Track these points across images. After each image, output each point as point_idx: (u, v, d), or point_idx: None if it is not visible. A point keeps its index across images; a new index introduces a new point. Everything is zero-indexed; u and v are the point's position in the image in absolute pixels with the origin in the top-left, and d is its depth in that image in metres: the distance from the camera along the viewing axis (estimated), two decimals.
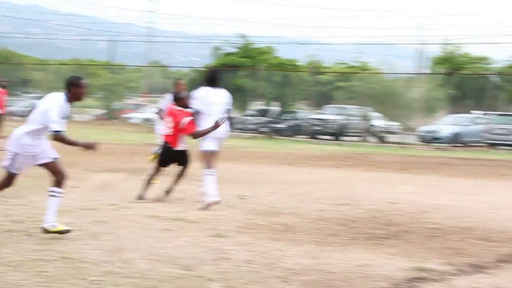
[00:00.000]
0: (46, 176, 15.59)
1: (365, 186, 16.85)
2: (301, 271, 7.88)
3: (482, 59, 45.93)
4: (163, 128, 13.39)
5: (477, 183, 18.49)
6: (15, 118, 42.78)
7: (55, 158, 9.25)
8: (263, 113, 44.91)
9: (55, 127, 9.00)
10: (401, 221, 11.66)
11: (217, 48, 45.46)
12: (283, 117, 44.28)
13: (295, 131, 41.30)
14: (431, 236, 10.39)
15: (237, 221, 10.98)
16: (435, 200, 14.51)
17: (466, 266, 8.42)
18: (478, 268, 8.39)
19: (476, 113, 41.20)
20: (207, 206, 12.09)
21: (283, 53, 48.84)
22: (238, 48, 44.68)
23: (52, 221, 9.18)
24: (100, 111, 51.92)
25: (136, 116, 47.23)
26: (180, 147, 12.91)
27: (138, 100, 58.48)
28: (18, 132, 9.18)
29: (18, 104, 49.23)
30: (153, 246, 8.79)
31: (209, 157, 12.59)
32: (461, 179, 19.60)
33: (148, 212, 11.30)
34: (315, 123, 40.76)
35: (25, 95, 55.10)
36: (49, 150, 9.27)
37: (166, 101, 15.57)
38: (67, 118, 9.59)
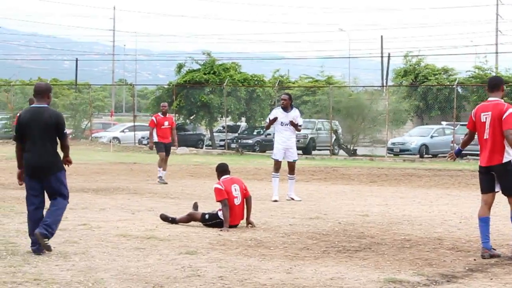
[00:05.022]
0: (14, 199, 15.49)
1: (335, 199, 16.90)
2: (273, 286, 7.87)
3: (446, 70, 46.31)
4: None
5: (445, 194, 18.63)
6: None
7: None
8: (231, 129, 44.94)
9: None
10: (372, 233, 11.71)
11: (181, 65, 45.36)
12: (250, 133, 44.34)
13: (264, 146, 41.31)
14: (402, 247, 10.45)
15: (208, 237, 10.95)
16: (405, 211, 14.60)
17: (438, 276, 8.48)
18: (449, 278, 8.45)
19: (444, 124, 41.50)
20: None
21: (248, 69, 48.90)
22: (203, 64, 44.62)
23: None
24: (67, 131, 51.25)
25: (105, 135, 47.04)
26: None
27: (105, 119, 58.21)
28: None
29: None
30: (125, 265, 8.75)
31: None
32: (430, 190, 19.73)
33: (119, 231, 11.24)
34: None
35: None
36: None
37: None
38: None
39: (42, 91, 9.76)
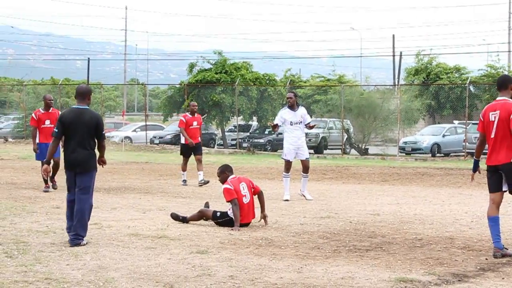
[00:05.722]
0: (25, 198, 15.55)
1: (347, 198, 16.88)
2: (284, 286, 7.87)
3: (458, 69, 46.12)
4: None
5: (457, 193, 18.57)
6: None
7: None
8: (243, 128, 44.98)
9: None
10: (383, 232, 11.68)
11: (193, 65, 45.36)
12: (262, 132, 44.37)
13: (275, 145, 41.30)
14: (413, 246, 10.42)
15: (219, 236, 10.96)
16: (416, 210, 14.56)
17: (449, 276, 8.45)
18: (460, 277, 8.42)
19: (456, 123, 41.39)
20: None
21: (259, 68, 48.85)
22: (214, 64, 44.60)
23: None
24: None
25: (117, 134, 47.11)
26: None
27: (117, 118, 58.31)
28: None
29: None
30: (136, 265, 8.76)
31: None
32: (442, 189, 19.68)
33: (129, 231, 11.26)
34: None
35: (3, 116, 54.87)
36: None
37: None
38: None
39: (83, 93, 10.50)
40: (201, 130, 20.52)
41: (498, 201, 9.79)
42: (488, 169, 9.83)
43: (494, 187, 9.78)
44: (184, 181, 19.67)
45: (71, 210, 10.32)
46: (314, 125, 16.74)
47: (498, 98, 9.84)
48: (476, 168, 10.21)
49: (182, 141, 20.04)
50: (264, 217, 12.26)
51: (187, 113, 20.32)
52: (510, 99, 9.73)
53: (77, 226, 10.09)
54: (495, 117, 9.64)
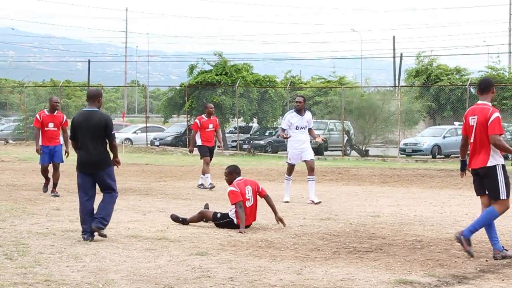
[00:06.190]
0: (26, 200, 15.55)
1: (347, 200, 16.87)
2: (284, 287, 7.86)
3: (458, 71, 46.05)
4: None
5: (458, 194, 18.57)
6: None
7: None
8: (243, 130, 44.96)
9: None
10: (383, 234, 11.68)
11: (193, 66, 45.31)
12: (262, 134, 44.36)
13: (276, 147, 41.27)
14: (413, 248, 10.42)
15: (219, 238, 10.95)
16: (416, 212, 14.56)
17: (449, 277, 8.45)
18: (460, 279, 8.41)
19: (457, 125, 41.42)
20: None
21: (259, 70, 48.84)
22: (215, 65, 44.56)
23: None
24: None
25: (117, 136, 46.94)
26: None
27: (117, 120, 58.34)
28: None
29: None
30: (135, 266, 8.76)
31: None
32: (442, 190, 19.68)
33: (129, 232, 11.26)
34: None
35: (3, 118, 54.91)
36: None
37: None
38: None
39: (93, 96, 10.93)
40: (219, 132, 20.07)
41: (487, 203, 9.82)
42: (471, 173, 9.88)
43: (479, 190, 9.86)
44: (210, 183, 18.99)
45: (85, 210, 10.68)
46: (323, 139, 16.67)
47: (478, 102, 9.85)
48: (463, 167, 10.23)
49: (199, 142, 19.46)
50: (280, 219, 12.20)
51: (203, 115, 19.85)
52: (489, 103, 9.74)
53: (103, 212, 10.62)
54: (474, 121, 9.69)
